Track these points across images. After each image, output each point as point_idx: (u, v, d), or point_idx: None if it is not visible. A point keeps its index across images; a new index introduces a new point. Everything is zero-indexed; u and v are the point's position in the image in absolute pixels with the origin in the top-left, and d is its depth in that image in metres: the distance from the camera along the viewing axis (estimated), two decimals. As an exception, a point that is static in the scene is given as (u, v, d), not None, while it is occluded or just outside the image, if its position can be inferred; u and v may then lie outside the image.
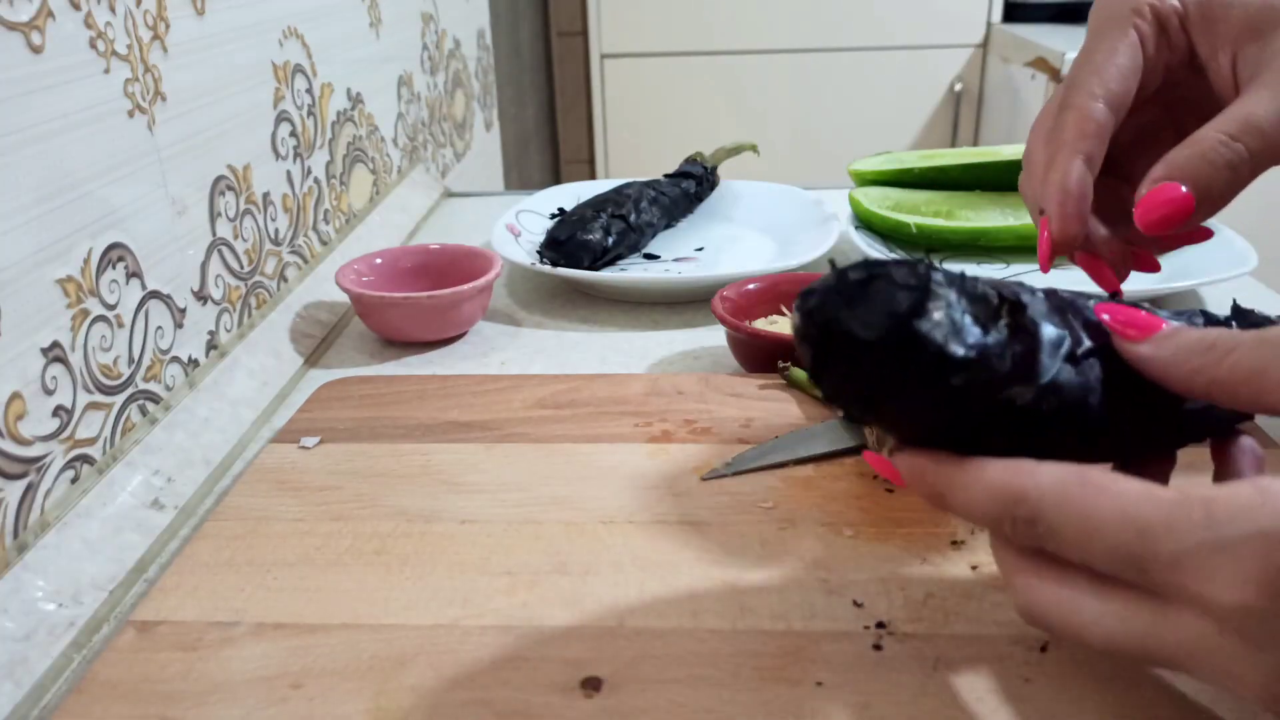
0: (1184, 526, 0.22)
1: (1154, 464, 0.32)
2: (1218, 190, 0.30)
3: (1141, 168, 0.33)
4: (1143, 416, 0.29)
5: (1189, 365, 0.27)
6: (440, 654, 0.33)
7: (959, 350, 0.25)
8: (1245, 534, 0.21)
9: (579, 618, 0.35)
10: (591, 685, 0.32)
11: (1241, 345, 0.26)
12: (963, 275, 0.27)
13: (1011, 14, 1.84)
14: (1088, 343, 0.28)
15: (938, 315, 0.25)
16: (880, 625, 0.34)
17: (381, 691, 0.32)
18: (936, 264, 0.29)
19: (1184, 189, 0.30)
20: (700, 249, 0.77)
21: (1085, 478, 0.24)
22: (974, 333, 0.26)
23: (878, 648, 0.33)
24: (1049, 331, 0.27)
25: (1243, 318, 0.32)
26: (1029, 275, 0.68)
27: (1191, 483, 0.24)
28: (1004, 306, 0.27)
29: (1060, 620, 0.25)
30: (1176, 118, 0.36)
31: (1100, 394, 0.28)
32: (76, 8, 0.43)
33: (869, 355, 0.25)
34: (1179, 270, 0.63)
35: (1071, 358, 0.27)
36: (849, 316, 0.25)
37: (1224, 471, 0.31)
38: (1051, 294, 0.29)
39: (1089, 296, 0.29)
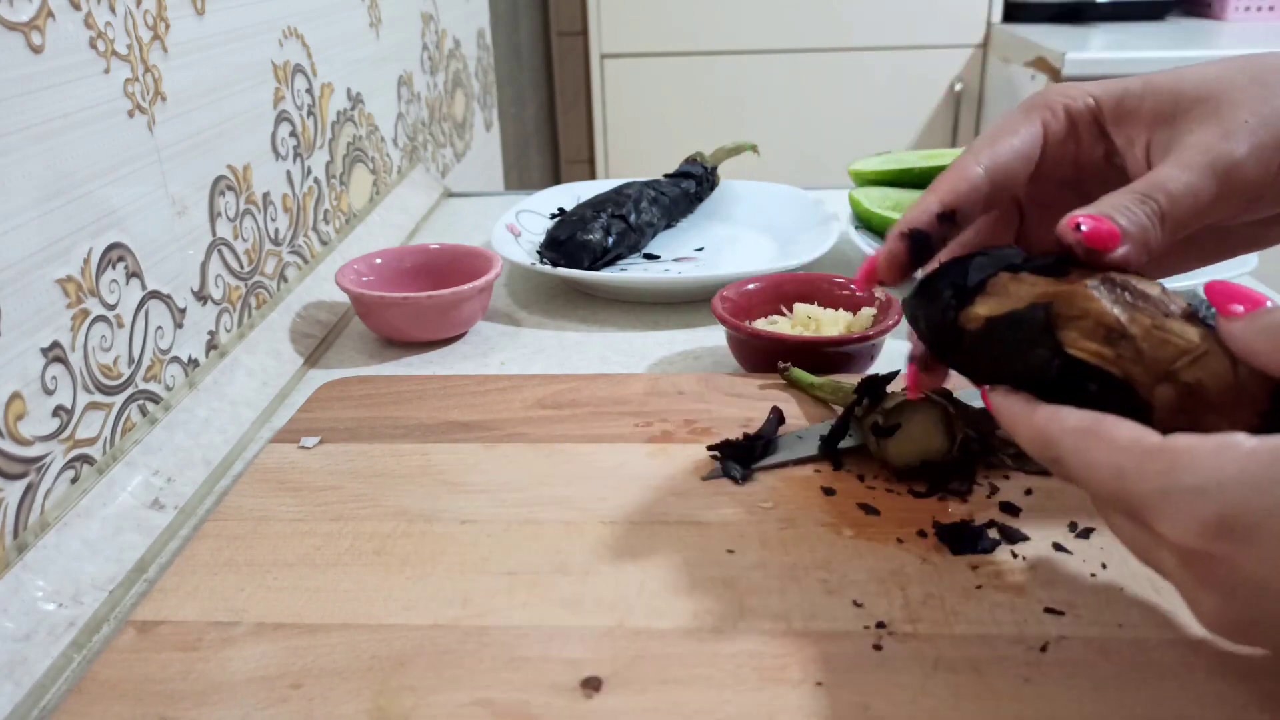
0: (1150, 472, 0.26)
1: None
2: (1131, 239, 0.32)
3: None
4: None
5: (1273, 345, 0.27)
6: (440, 654, 0.33)
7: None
8: (1192, 485, 0.25)
9: (579, 618, 0.35)
10: (591, 685, 0.32)
11: None
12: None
13: (1011, 14, 1.84)
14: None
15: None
16: (880, 625, 0.34)
17: (381, 691, 0.32)
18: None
19: (1109, 223, 0.32)
20: (700, 249, 0.77)
21: (1096, 427, 0.28)
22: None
23: (878, 648, 0.33)
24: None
25: None
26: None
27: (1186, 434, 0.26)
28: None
29: (1112, 529, 0.30)
30: None
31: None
32: (76, 8, 0.43)
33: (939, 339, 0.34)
34: (1179, 270, 0.63)
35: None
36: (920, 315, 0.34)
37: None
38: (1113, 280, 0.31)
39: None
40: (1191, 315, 0.29)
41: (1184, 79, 0.34)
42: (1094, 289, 0.30)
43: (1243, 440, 0.25)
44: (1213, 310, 0.29)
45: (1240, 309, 0.28)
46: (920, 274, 0.35)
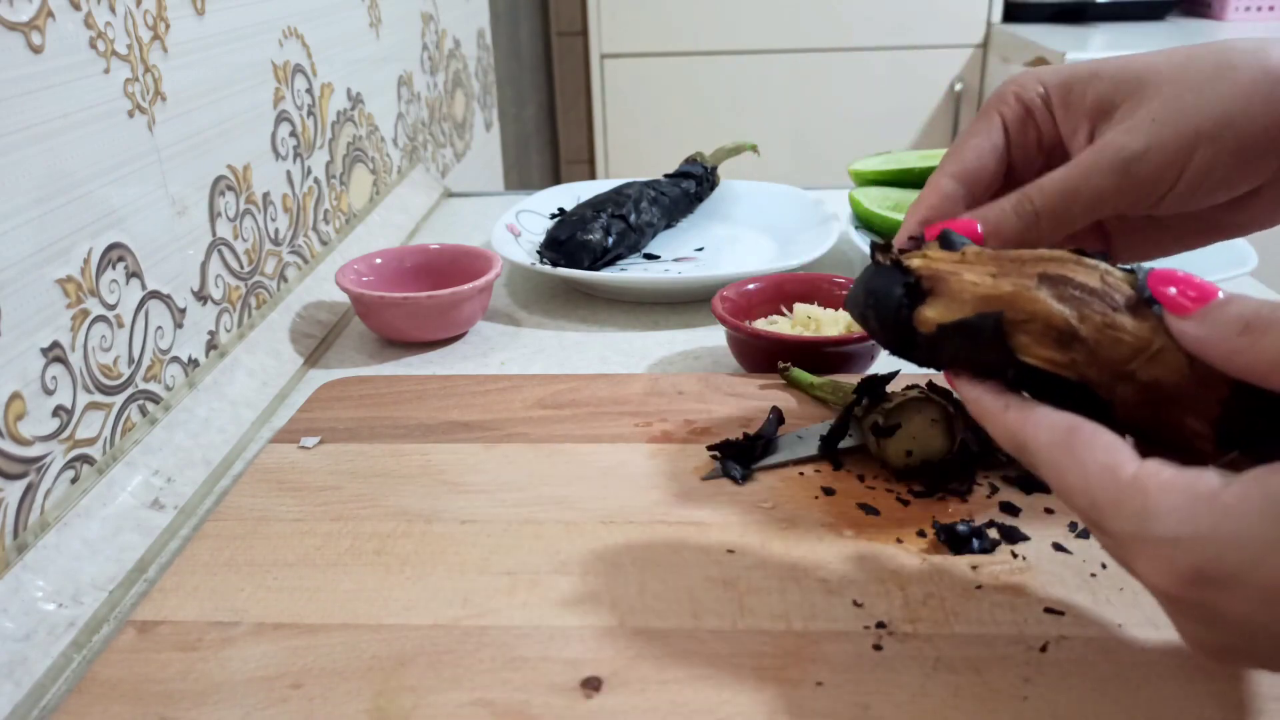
0: (1125, 513, 0.25)
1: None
2: (1008, 233, 0.35)
3: None
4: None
5: (1225, 346, 0.27)
6: (440, 654, 0.33)
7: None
8: (1166, 536, 0.24)
9: (579, 618, 0.35)
10: (591, 685, 0.32)
11: (1275, 328, 0.26)
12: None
13: (1011, 14, 1.84)
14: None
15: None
16: (880, 625, 0.34)
17: (381, 691, 0.32)
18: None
19: (978, 228, 0.35)
20: (700, 249, 0.77)
21: (1071, 442, 0.27)
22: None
23: (878, 648, 0.33)
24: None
25: None
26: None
27: (1164, 464, 0.26)
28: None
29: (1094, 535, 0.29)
30: None
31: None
32: (76, 8, 0.43)
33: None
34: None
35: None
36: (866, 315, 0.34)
37: None
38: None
39: (1146, 269, 0.30)
40: (1139, 305, 0.29)
41: (1126, 69, 0.35)
42: (1038, 290, 0.29)
43: (1217, 489, 0.24)
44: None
45: (1188, 304, 0.27)
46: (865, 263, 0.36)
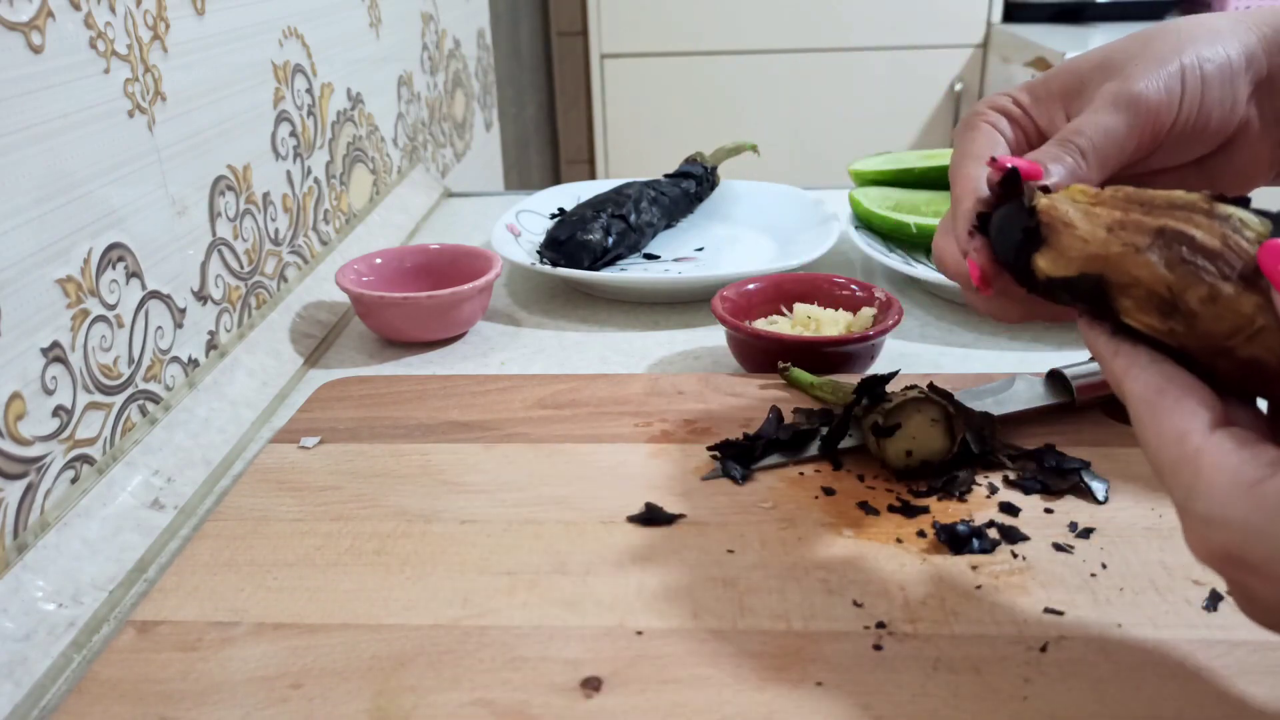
0: (1178, 482, 0.26)
1: None
2: (1065, 178, 0.35)
3: None
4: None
5: None
6: (440, 654, 0.33)
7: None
8: (1202, 514, 0.25)
9: (579, 618, 0.35)
10: (591, 685, 0.32)
11: None
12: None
13: (1011, 14, 1.84)
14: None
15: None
16: (880, 625, 0.34)
17: (381, 691, 0.32)
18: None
19: (1038, 167, 0.35)
20: (700, 249, 0.77)
21: (1155, 401, 0.28)
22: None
23: (878, 648, 0.33)
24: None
25: None
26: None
27: (1233, 438, 0.26)
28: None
29: None
30: None
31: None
32: (76, 8, 0.43)
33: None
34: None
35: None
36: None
37: None
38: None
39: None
40: (1254, 273, 0.27)
41: (1085, 57, 0.38)
42: (1148, 252, 0.29)
43: (1262, 478, 0.25)
44: None
45: None
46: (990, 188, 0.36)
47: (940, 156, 0.78)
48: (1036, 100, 0.39)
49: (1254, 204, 0.29)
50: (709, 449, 0.45)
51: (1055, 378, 0.48)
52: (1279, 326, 0.27)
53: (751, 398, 0.50)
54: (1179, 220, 0.29)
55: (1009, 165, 0.34)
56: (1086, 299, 0.30)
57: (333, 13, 0.75)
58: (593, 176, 2.04)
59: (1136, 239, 0.29)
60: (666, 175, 0.82)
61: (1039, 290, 0.33)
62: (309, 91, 0.70)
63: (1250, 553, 0.24)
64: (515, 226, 0.77)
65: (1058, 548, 0.38)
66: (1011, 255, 0.33)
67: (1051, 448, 0.44)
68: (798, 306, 0.58)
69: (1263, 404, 0.30)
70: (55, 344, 0.41)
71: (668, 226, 0.80)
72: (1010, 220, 0.33)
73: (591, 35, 1.89)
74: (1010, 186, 0.34)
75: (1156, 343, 0.29)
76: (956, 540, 0.38)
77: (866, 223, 0.74)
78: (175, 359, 0.51)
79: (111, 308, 0.45)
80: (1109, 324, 0.30)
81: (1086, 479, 0.42)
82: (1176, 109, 0.36)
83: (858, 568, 0.37)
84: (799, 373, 0.51)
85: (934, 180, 0.77)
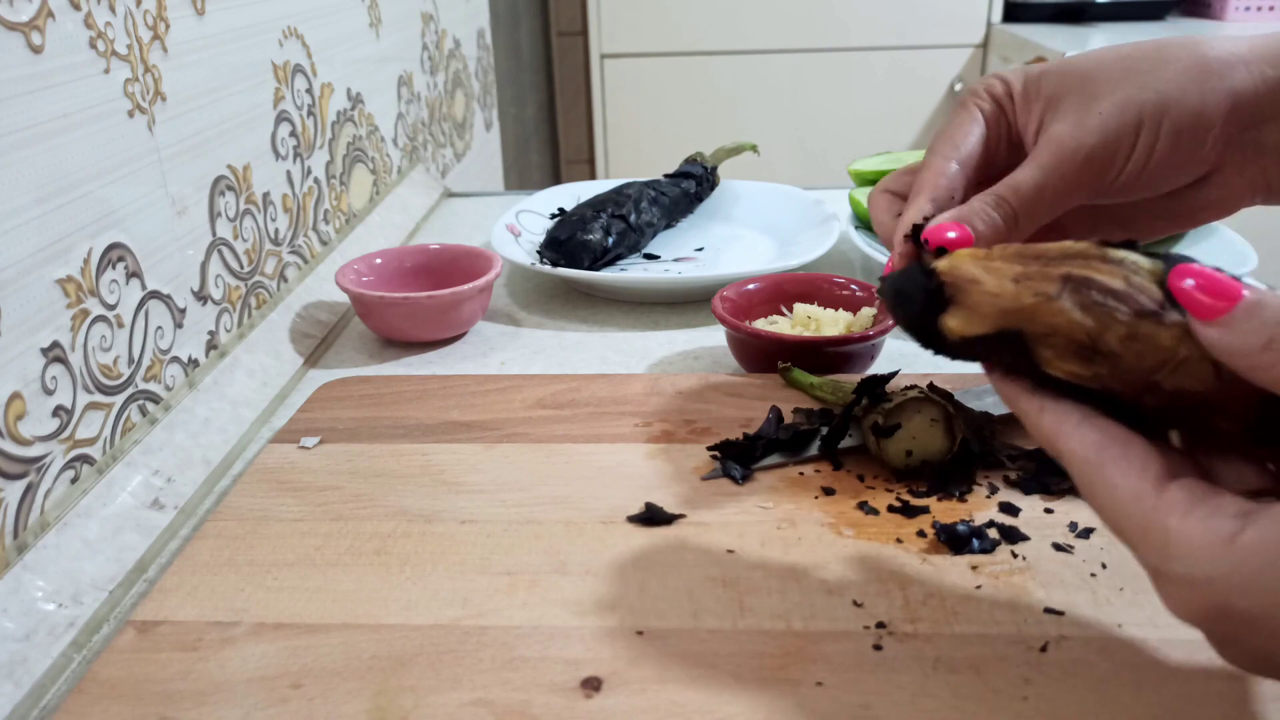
0: (1148, 545, 0.26)
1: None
2: (991, 236, 0.35)
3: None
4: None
5: (1249, 360, 0.26)
6: (440, 654, 0.33)
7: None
8: (1183, 575, 0.25)
9: (579, 618, 0.35)
10: (591, 685, 0.32)
11: None
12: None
13: (1011, 14, 1.84)
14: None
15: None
16: (880, 625, 0.34)
17: (381, 691, 0.32)
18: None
19: (966, 230, 0.35)
20: (700, 249, 0.77)
21: (1100, 460, 0.27)
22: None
23: (878, 648, 0.33)
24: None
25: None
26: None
27: (1188, 491, 0.26)
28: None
29: None
30: None
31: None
32: (76, 8, 0.43)
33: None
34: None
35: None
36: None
37: None
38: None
39: (1175, 260, 0.29)
40: (1166, 306, 0.28)
41: (1072, 65, 0.37)
42: (1060, 299, 0.29)
43: (1236, 531, 0.24)
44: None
45: (1212, 308, 0.26)
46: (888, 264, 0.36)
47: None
48: (1025, 98, 0.38)
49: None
50: (709, 449, 0.45)
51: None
52: (1201, 354, 0.27)
53: (751, 398, 0.50)
54: (1079, 267, 0.29)
55: (921, 224, 0.34)
56: (1003, 355, 0.30)
57: (333, 13, 0.75)
58: (593, 176, 2.04)
59: (1045, 287, 0.29)
60: (666, 175, 0.82)
61: (949, 351, 0.32)
62: (309, 91, 0.70)
63: (1242, 606, 0.24)
64: (515, 226, 0.77)
65: (1058, 548, 0.38)
66: (916, 319, 0.32)
67: (1051, 448, 0.44)
68: (798, 306, 0.58)
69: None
70: (55, 344, 0.41)
71: (668, 226, 0.80)
72: (910, 284, 0.32)
73: (591, 35, 1.89)
74: (916, 241, 0.34)
75: (1080, 389, 0.29)
76: (956, 540, 0.38)
77: (866, 223, 0.74)
78: (175, 359, 0.51)
79: (111, 308, 0.45)
80: (1027, 379, 0.30)
81: (1086, 479, 0.42)
82: (1120, 166, 0.35)
83: (858, 568, 0.37)
84: (799, 373, 0.51)
85: (934, 180, 0.76)
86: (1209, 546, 0.25)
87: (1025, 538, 0.39)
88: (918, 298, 0.32)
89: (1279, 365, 0.25)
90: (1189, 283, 0.27)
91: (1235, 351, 0.26)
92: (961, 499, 0.41)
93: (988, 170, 0.38)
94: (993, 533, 0.39)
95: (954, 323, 0.31)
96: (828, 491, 0.42)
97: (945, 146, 0.38)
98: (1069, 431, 0.29)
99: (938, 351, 0.33)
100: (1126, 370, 0.28)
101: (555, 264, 0.69)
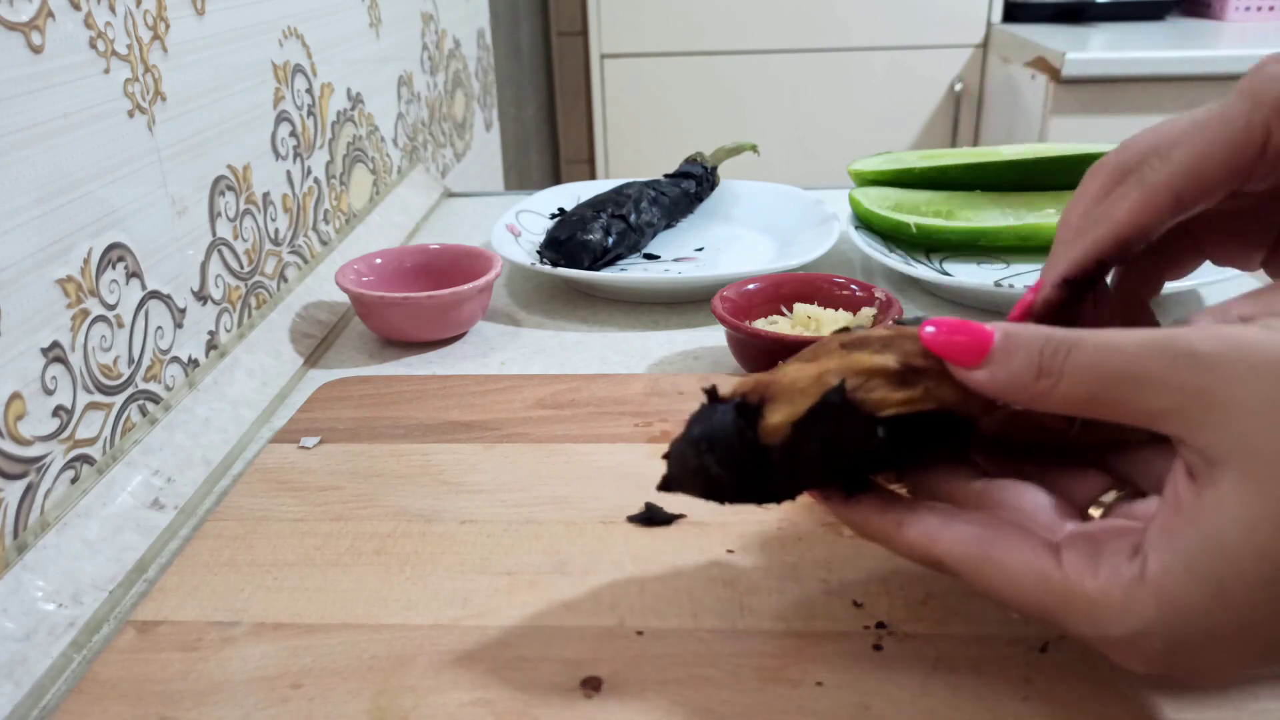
0: (1076, 618, 0.26)
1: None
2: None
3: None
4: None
5: (1026, 394, 0.26)
6: (440, 654, 0.33)
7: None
8: (1123, 636, 0.25)
9: (579, 618, 0.35)
10: (591, 685, 0.32)
11: (1068, 370, 0.25)
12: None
13: (1011, 14, 1.84)
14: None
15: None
16: (880, 625, 0.34)
17: (381, 691, 0.32)
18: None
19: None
20: (700, 249, 0.77)
21: (988, 553, 0.27)
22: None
23: (878, 648, 0.33)
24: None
25: None
26: (1030, 274, 0.68)
27: (1079, 551, 0.26)
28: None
29: None
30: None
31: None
32: (76, 8, 0.43)
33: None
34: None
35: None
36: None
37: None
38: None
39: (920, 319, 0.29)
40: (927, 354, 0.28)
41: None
42: (856, 352, 0.29)
43: (1140, 572, 0.24)
44: None
45: (966, 356, 0.26)
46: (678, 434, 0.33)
47: (940, 156, 0.78)
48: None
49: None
50: None
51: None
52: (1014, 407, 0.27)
53: (751, 398, 0.50)
54: (843, 336, 0.30)
55: (713, 387, 0.31)
56: (837, 419, 0.28)
57: (333, 13, 0.75)
58: (593, 176, 2.04)
59: (838, 345, 0.29)
60: (666, 175, 0.82)
61: (777, 466, 0.29)
62: (309, 91, 0.70)
63: (1183, 639, 0.24)
64: (515, 226, 0.77)
65: (1058, 548, 0.38)
66: (735, 440, 0.29)
67: (1051, 448, 0.44)
68: (798, 306, 0.58)
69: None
70: (55, 344, 0.41)
71: (668, 226, 0.80)
72: (713, 420, 0.30)
73: (591, 35, 1.89)
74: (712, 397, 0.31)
75: (920, 426, 0.28)
76: None
77: (866, 223, 0.74)
78: (175, 359, 0.51)
79: (111, 308, 0.45)
80: (868, 454, 0.29)
81: (1086, 479, 0.42)
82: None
83: (858, 568, 0.37)
84: (799, 373, 0.51)
85: (933, 180, 0.77)
86: (1130, 599, 0.24)
87: (1025, 538, 0.38)
88: (726, 420, 0.30)
89: (1057, 388, 0.25)
90: (929, 330, 0.27)
91: (1009, 388, 0.26)
92: (961, 499, 0.41)
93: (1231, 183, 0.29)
94: (993, 533, 0.39)
95: (777, 416, 0.29)
96: (828, 491, 0.42)
97: (1164, 157, 0.29)
98: (937, 534, 0.28)
99: (759, 483, 0.30)
100: (948, 376, 0.28)
101: (555, 264, 0.69)
